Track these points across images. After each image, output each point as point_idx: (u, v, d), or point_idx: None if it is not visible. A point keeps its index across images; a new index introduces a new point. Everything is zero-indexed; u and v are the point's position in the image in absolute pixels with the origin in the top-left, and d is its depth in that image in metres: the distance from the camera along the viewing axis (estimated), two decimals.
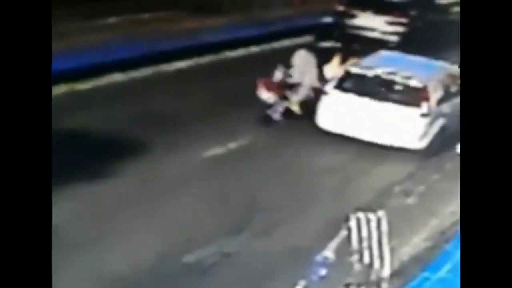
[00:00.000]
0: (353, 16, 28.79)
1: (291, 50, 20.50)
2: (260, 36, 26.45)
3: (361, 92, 17.07)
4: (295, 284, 9.85)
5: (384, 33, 27.89)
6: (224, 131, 16.97)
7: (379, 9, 28.56)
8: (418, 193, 14.44)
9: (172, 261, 11.35)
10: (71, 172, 13.59)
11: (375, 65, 17.93)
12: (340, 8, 29.28)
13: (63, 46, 18.08)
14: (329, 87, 17.53)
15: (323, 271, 10.15)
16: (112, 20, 25.81)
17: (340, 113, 17.03)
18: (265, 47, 25.57)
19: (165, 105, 18.00)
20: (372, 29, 28.15)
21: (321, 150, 16.95)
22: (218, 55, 23.28)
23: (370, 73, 17.62)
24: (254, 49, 25.33)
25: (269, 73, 19.24)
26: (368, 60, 18.49)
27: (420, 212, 13.54)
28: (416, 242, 12.38)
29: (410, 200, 14.00)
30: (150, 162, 14.92)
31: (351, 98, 17.08)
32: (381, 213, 10.58)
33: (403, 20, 28.18)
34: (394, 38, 27.52)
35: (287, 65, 19.15)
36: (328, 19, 29.37)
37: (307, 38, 24.85)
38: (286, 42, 25.88)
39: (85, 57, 20.00)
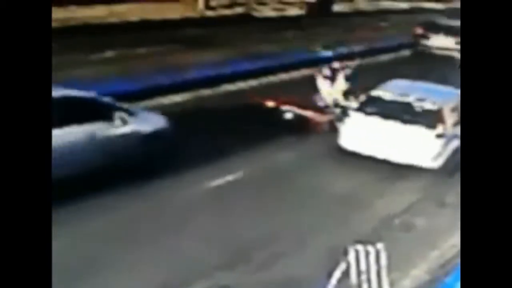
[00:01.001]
0: (427, 38, 36.90)
1: (287, 83, 20.84)
2: (257, 70, 26.58)
3: (380, 115, 18.18)
4: None
5: (453, 50, 33.89)
6: (224, 163, 17.04)
7: (450, 31, 35.69)
8: (419, 225, 14.46)
9: None
10: (72, 201, 13.64)
11: (393, 90, 19.14)
12: (419, 31, 37.33)
13: (59, 80, 18.14)
14: (351, 110, 18.72)
15: None
16: (108, 54, 25.94)
17: (361, 133, 18.17)
18: (263, 80, 25.72)
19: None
20: (443, 48, 35.51)
21: (327, 176, 17.27)
22: (215, 89, 23.27)
23: (389, 97, 18.77)
24: (252, 82, 25.41)
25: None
26: (386, 86, 19.61)
27: (420, 245, 13.48)
28: (416, 275, 12.28)
29: (410, 233, 13.99)
30: (150, 195, 14.86)
31: (372, 120, 18.22)
32: (380, 245, 10.57)
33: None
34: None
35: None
36: (328, 54, 30.24)
37: (304, 72, 25.04)
38: (283, 76, 26.07)
39: (81, 91, 20.03)
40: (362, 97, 19.25)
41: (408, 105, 18.24)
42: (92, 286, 11.38)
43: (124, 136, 15.99)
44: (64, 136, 14.45)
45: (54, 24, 29.44)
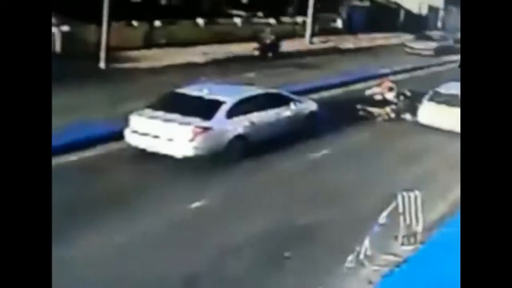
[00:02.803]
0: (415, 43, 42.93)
1: (361, 90, 20.97)
2: (342, 82, 26.70)
3: (440, 102, 19.54)
4: (364, 237, 10.02)
5: (427, 49, 41.30)
6: (321, 141, 17.07)
7: (427, 39, 43.64)
8: (441, 179, 14.32)
9: (291, 223, 11.49)
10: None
11: (448, 87, 20.17)
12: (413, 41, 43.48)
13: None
14: (424, 99, 20.09)
15: (381, 228, 10.30)
16: (251, 74, 26.31)
17: (430, 113, 19.46)
18: (346, 89, 25.77)
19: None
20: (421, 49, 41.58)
21: (386, 148, 17.19)
22: (316, 95, 23.27)
23: (445, 91, 19.96)
24: (338, 90, 25.48)
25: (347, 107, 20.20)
26: (444, 86, 20.62)
27: (441, 191, 13.43)
28: (439, 210, 12.34)
29: (435, 184, 13.87)
30: (268, 164, 14.99)
31: (436, 105, 19.50)
32: (417, 192, 10.70)
33: (435, 44, 42.40)
34: (430, 52, 41.01)
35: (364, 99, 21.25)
36: (385, 70, 30.05)
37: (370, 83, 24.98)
38: (358, 86, 26.04)
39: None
40: (431, 92, 20.30)
41: (455, 96, 18.36)
42: (240, 216, 11.65)
43: (296, 114, 17.15)
44: (265, 115, 15.90)
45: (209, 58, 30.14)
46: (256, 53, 33.34)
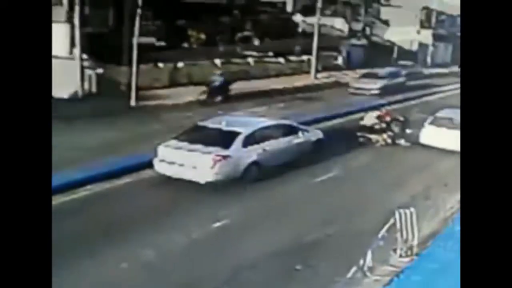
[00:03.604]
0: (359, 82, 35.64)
1: (360, 119, 21.06)
2: (345, 113, 26.69)
3: (439, 125, 19.68)
4: (367, 250, 10.00)
5: (371, 89, 33.97)
6: (326, 165, 16.96)
7: (373, 77, 35.87)
8: (433, 197, 14.22)
9: (301, 239, 11.45)
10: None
11: (446, 112, 20.38)
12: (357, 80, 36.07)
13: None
14: (426, 123, 20.16)
15: (381, 242, 10.33)
16: (264, 108, 26.44)
17: (431, 135, 19.60)
18: (347, 118, 25.77)
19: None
20: (365, 88, 34.22)
21: (382, 171, 16.95)
22: (322, 124, 23.16)
23: (443, 115, 20.15)
24: (340, 119, 25.49)
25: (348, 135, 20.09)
26: (443, 111, 20.75)
27: (434, 208, 13.32)
28: (432, 226, 12.24)
29: (428, 202, 13.75)
30: (279, 187, 14.92)
31: (436, 128, 19.61)
32: (412, 209, 10.69)
33: (381, 82, 34.94)
34: (377, 91, 33.69)
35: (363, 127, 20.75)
36: (382, 101, 29.96)
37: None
38: (357, 116, 26.02)
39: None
40: (431, 117, 20.48)
41: (451, 119, 19.06)
42: (256, 234, 11.61)
43: (304, 142, 17.10)
44: (276, 143, 16.00)
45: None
46: (203, 97, 27.66)
